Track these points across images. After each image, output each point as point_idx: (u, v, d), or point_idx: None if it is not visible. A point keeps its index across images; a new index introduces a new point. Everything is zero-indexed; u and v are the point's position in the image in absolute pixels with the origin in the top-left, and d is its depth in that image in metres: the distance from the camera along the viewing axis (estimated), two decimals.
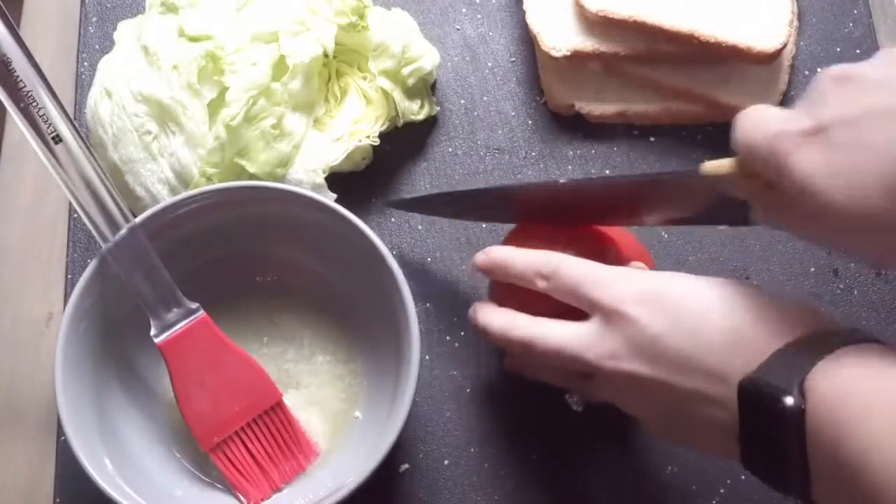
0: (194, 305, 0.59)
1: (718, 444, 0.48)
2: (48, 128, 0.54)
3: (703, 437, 0.49)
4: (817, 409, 0.41)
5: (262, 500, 0.59)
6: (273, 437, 0.60)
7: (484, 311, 0.57)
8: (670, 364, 0.48)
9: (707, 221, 0.59)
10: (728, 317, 0.48)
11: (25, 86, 0.54)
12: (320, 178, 0.66)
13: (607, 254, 0.58)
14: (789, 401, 0.42)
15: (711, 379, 0.47)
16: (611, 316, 0.51)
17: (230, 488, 0.59)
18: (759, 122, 0.47)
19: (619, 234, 0.61)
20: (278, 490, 0.60)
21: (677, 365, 0.48)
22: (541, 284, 0.54)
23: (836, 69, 0.46)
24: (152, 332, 0.58)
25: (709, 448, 0.50)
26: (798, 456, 0.42)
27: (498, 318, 0.56)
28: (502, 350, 0.62)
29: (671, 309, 0.49)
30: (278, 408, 0.60)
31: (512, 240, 0.61)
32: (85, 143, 0.55)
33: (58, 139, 0.55)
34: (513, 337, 0.55)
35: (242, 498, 0.59)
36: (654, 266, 0.59)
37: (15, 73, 0.54)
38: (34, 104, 0.54)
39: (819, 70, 0.74)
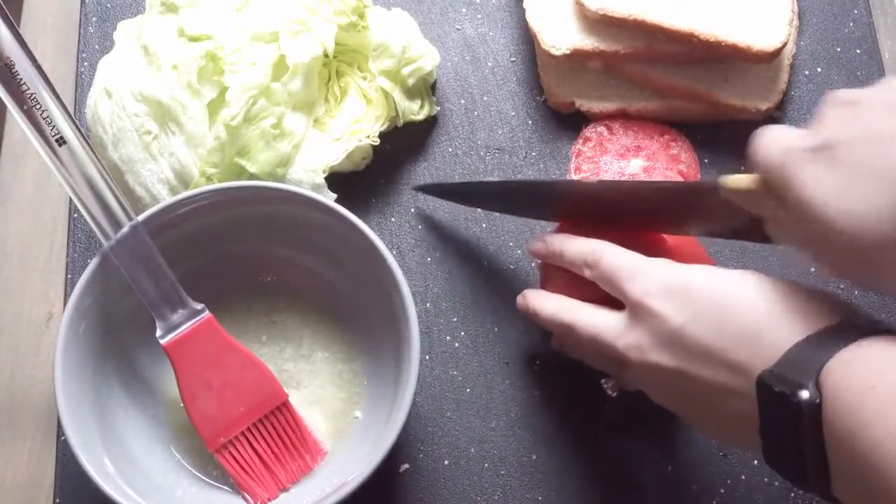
0: (199, 306, 0.59)
1: (743, 437, 0.48)
2: (51, 130, 0.55)
3: (728, 430, 0.49)
4: (834, 401, 0.41)
5: (270, 500, 0.59)
6: (279, 437, 0.60)
7: (535, 296, 0.60)
8: (694, 356, 0.49)
9: (728, 236, 0.60)
10: (751, 309, 0.48)
11: (28, 88, 0.54)
12: (320, 178, 0.66)
13: (657, 250, 0.59)
14: (804, 394, 0.42)
15: (734, 372, 0.47)
16: (638, 308, 0.52)
17: (235, 488, 0.59)
18: (772, 138, 0.49)
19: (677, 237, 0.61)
20: (285, 490, 0.60)
21: (700, 357, 0.49)
22: (587, 272, 0.57)
23: (845, 92, 0.47)
24: (158, 334, 0.58)
25: (734, 441, 0.51)
26: (815, 449, 0.42)
27: (548, 303, 0.59)
28: (549, 331, 0.63)
29: (695, 301, 0.50)
30: (284, 408, 0.60)
31: (565, 227, 0.62)
32: (88, 144, 0.55)
33: (61, 141, 0.55)
34: (558, 320, 0.57)
35: (249, 498, 0.59)
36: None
37: (18, 76, 0.54)
38: (37, 106, 0.54)
39: (820, 69, 0.74)
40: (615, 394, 0.60)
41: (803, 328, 0.46)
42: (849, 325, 0.45)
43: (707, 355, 0.48)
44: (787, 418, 0.43)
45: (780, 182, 0.47)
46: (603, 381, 0.60)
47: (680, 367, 0.50)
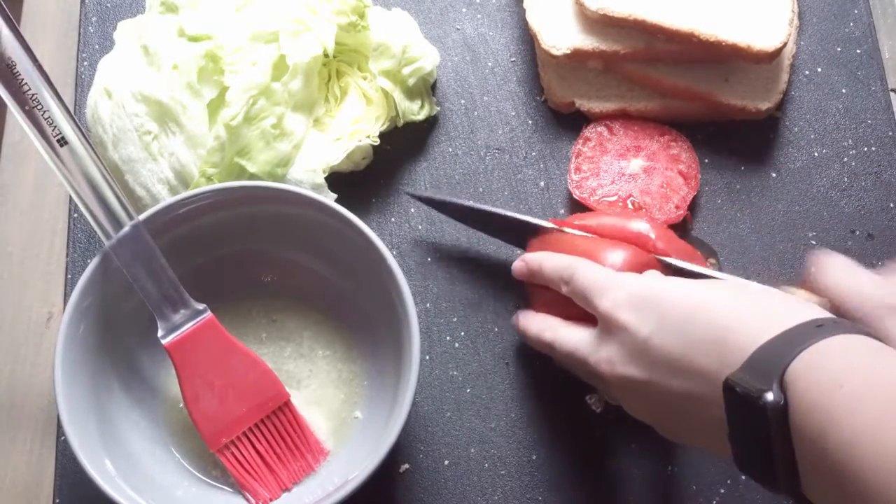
0: (201, 306, 0.59)
1: (716, 443, 0.48)
2: (53, 130, 0.55)
3: (704, 437, 0.49)
4: (799, 401, 0.41)
5: (271, 500, 0.59)
6: (281, 437, 0.60)
7: (524, 316, 0.62)
8: (662, 366, 0.49)
9: None
10: (717, 316, 0.48)
11: (30, 88, 0.54)
12: (320, 178, 0.66)
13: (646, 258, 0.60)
14: (769, 396, 0.42)
15: (702, 379, 0.47)
16: (607, 322, 0.53)
17: (235, 488, 0.60)
18: (850, 280, 0.52)
19: (663, 237, 0.61)
20: (287, 490, 0.60)
21: (668, 367, 0.49)
22: (563, 289, 0.57)
23: None
24: (159, 334, 0.58)
25: (712, 448, 0.50)
26: (784, 450, 0.42)
27: (533, 323, 0.61)
28: None
29: (661, 311, 0.50)
30: (286, 408, 0.60)
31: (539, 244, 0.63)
32: (90, 144, 0.55)
33: (63, 141, 0.55)
34: (542, 339, 0.59)
35: (251, 498, 0.59)
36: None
37: (19, 76, 0.54)
38: (39, 107, 0.54)
39: (820, 69, 0.74)
40: (600, 409, 0.60)
41: (768, 330, 0.45)
42: (813, 325, 0.45)
43: (675, 364, 0.48)
44: (754, 421, 0.43)
45: (863, 322, 0.49)
46: (587, 396, 0.60)
47: (650, 378, 0.50)
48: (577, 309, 0.56)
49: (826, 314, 0.47)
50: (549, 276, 0.58)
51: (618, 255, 0.58)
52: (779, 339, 0.45)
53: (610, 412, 0.60)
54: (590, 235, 0.61)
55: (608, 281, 0.54)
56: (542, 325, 0.59)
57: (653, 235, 0.60)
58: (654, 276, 0.54)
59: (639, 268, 0.57)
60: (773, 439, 0.42)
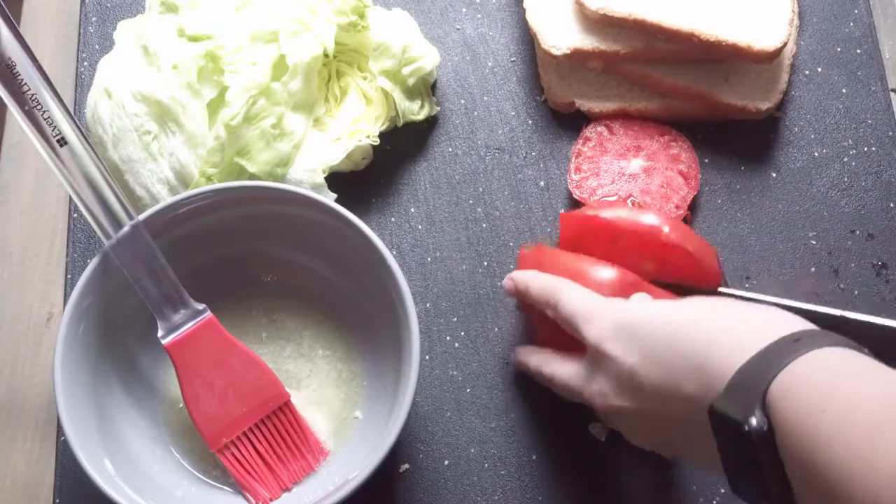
0: (201, 306, 0.59)
1: (717, 466, 0.47)
2: (53, 130, 0.55)
3: (706, 459, 0.48)
4: (783, 425, 0.41)
5: (271, 500, 0.59)
6: (282, 437, 0.60)
7: (522, 352, 0.63)
8: (651, 396, 0.49)
9: None
10: (694, 341, 0.47)
11: (30, 89, 0.54)
12: (320, 178, 0.66)
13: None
14: (753, 422, 0.41)
15: (690, 406, 0.46)
16: (595, 353, 0.52)
17: (235, 488, 0.59)
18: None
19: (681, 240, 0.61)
20: (287, 490, 0.60)
21: (657, 396, 0.49)
22: (549, 313, 0.57)
23: None
24: (159, 334, 0.58)
25: (717, 468, 0.50)
26: (774, 472, 0.42)
27: (532, 358, 0.61)
28: None
29: (642, 340, 0.50)
30: (286, 408, 0.60)
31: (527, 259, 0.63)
32: (89, 144, 0.55)
33: (63, 142, 0.55)
34: (540, 374, 0.60)
35: (251, 498, 0.59)
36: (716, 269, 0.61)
37: (19, 77, 0.54)
38: (38, 107, 0.54)
39: (820, 69, 0.74)
40: (603, 438, 0.61)
41: (746, 350, 0.45)
42: (790, 340, 0.44)
43: (662, 394, 0.48)
44: (742, 445, 0.42)
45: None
46: (590, 426, 0.62)
47: (642, 408, 0.50)
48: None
49: (804, 325, 0.46)
50: (536, 298, 0.58)
51: (606, 273, 0.58)
52: (756, 360, 0.44)
53: (613, 439, 0.60)
54: (578, 256, 0.61)
55: (593, 309, 0.54)
56: (539, 360, 0.59)
57: (665, 228, 0.60)
58: (640, 299, 0.54)
59: (626, 287, 0.58)
60: (761, 463, 0.42)
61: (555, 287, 0.57)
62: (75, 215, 0.70)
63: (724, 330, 0.47)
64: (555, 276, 0.58)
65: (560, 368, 0.57)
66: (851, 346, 0.44)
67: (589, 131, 0.71)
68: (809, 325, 0.46)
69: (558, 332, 0.57)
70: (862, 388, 0.40)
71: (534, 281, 0.59)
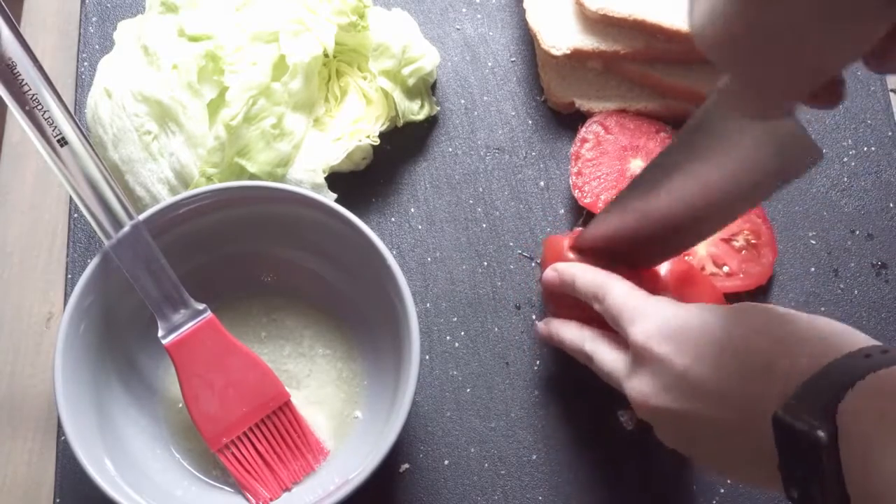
0: (201, 306, 0.59)
1: (762, 474, 0.46)
2: (53, 130, 0.55)
3: (746, 468, 0.48)
4: (851, 439, 0.41)
5: (272, 499, 0.59)
6: (282, 437, 0.60)
7: (556, 324, 0.61)
8: (700, 398, 0.48)
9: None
10: (756, 346, 0.47)
11: (30, 89, 0.54)
12: (320, 178, 0.66)
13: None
14: (821, 433, 0.41)
15: (745, 411, 0.46)
16: (640, 352, 0.52)
17: (235, 488, 0.60)
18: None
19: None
20: (287, 490, 0.60)
21: (708, 398, 0.48)
22: (595, 306, 0.57)
23: None
24: (160, 334, 0.58)
25: (753, 480, 0.49)
26: (836, 488, 0.41)
27: (570, 332, 0.60)
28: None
29: (696, 342, 0.49)
30: (286, 408, 0.61)
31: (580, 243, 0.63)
32: (90, 144, 0.55)
33: (63, 142, 0.55)
34: (580, 348, 0.58)
35: (251, 497, 0.59)
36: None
37: (20, 77, 0.54)
38: (39, 107, 0.54)
39: None
40: (631, 427, 0.59)
41: (814, 360, 0.44)
42: (861, 356, 0.44)
43: (714, 396, 0.48)
44: (804, 454, 0.42)
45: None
46: (619, 412, 0.59)
47: (687, 410, 0.49)
48: (595, 312, 0.57)
49: (870, 341, 0.46)
50: (583, 291, 0.58)
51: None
52: (828, 371, 0.44)
53: (640, 430, 0.59)
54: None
55: (639, 308, 0.53)
56: (583, 336, 0.59)
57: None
58: (686, 306, 0.53)
59: (681, 277, 0.59)
60: (825, 474, 0.41)
61: (603, 282, 0.57)
62: (75, 215, 0.70)
63: (786, 337, 0.47)
64: (602, 270, 0.58)
65: (605, 352, 0.56)
66: None
67: (585, 131, 0.70)
68: (875, 342, 0.46)
69: (578, 314, 0.59)
70: None
71: (582, 275, 0.58)
